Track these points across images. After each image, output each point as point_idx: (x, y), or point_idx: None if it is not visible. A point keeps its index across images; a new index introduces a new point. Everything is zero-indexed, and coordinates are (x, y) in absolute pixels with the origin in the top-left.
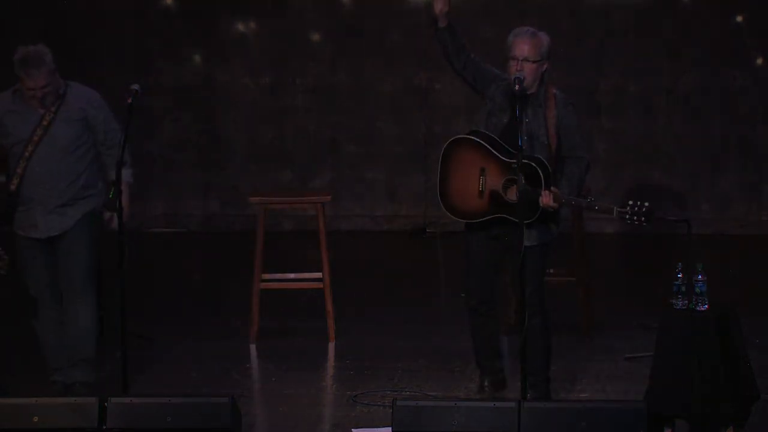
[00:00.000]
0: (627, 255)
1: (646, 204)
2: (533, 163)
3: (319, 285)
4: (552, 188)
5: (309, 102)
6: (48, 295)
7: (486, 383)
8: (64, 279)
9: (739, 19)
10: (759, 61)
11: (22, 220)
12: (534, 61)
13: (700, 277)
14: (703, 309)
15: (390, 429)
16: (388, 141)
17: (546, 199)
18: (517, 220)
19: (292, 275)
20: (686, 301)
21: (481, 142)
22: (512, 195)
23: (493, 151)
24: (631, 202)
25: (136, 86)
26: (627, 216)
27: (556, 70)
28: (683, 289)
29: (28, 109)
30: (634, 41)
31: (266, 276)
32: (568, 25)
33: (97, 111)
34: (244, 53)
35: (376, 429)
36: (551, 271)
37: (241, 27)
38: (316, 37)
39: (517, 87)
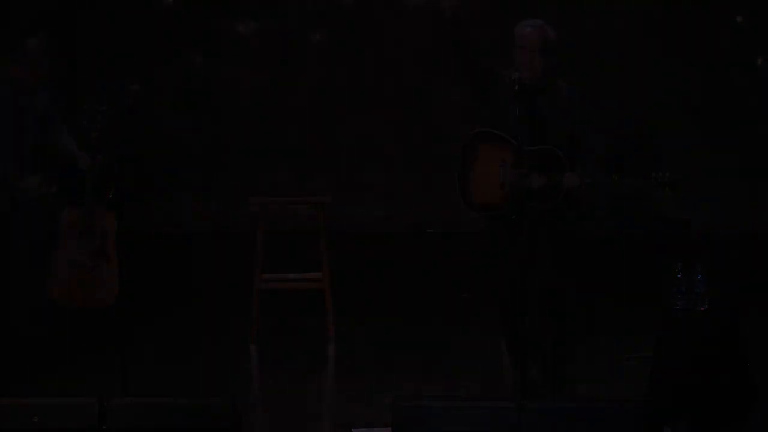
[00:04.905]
0: (626, 255)
1: (667, 174)
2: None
3: (319, 285)
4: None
5: (309, 102)
6: None
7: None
8: None
9: (739, 19)
10: (759, 61)
11: None
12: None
13: (700, 277)
14: (703, 309)
15: (390, 429)
16: (387, 141)
17: (570, 180)
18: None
19: (292, 275)
20: (686, 301)
21: (500, 133)
22: (534, 182)
23: (512, 141)
24: (653, 174)
25: (135, 86)
26: (655, 183)
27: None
28: (683, 289)
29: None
30: (634, 41)
31: (266, 276)
32: (567, 25)
33: None
34: (244, 53)
35: (376, 429)
36: None
37: (241, 27)
38: (316, 37)
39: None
